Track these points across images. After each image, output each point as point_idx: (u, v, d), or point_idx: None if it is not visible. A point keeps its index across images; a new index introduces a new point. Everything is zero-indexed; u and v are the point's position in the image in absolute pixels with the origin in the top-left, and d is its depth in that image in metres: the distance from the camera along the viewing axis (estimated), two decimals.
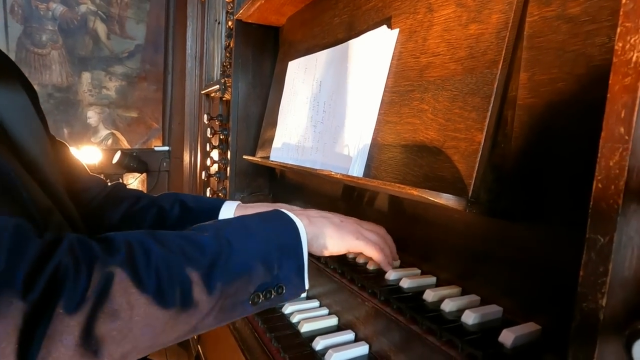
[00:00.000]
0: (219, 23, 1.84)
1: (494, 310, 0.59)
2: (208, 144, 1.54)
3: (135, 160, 3.48)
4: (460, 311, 0.59)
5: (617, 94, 0.33)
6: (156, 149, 3.72)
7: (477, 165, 0.54)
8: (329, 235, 0.60)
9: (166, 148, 3.73)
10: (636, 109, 0.32)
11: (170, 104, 3.93)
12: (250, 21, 1.40)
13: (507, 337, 0.52)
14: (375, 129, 0.76)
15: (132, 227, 0.81)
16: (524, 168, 0.57)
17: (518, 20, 0.54)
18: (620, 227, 0.33)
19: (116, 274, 0.40)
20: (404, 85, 0.71)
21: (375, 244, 0.64)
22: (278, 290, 0.52)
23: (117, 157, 3.38)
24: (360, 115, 0.79)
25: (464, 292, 0.67)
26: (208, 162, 1.52)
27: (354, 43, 0.85)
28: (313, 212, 0.63)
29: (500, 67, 0.54)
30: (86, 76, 4.22)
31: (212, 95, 1.84)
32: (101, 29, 4.32)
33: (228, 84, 1.47)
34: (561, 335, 0.53)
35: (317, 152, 0.91)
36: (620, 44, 0.33)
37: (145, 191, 3.96)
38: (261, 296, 0.51)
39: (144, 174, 3.70)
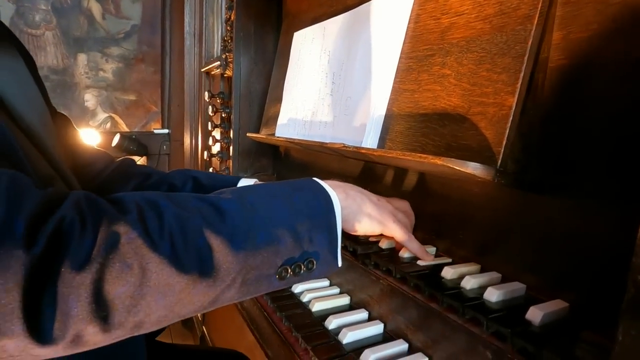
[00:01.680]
0: None
1: (517, 287, 0.56)
2: (210, 123, 1.49)
3: (135, 143, 3.43)
4: (482, 288, 0.56)
5: None
6: (155, 131, 3.66)
7: (507, 131, 0.50)
8: (367, 213, 0.56)
9: (166, 131, 3.67)
10: None
11: (169, 86, 3.85)
12: None
13: (535, 314, 0.49)
14: (390, 98, 0.71)
15: None
16: (554, 137, 0.53)
17: None
18: None
19: (126, 233, 0.37)
20: (422, 50, 0.66)
21: (408, 233, 0.61)
22: (308, 265, 0.48)
23: (116, 139, 3.33)
24: (374, 84, 0.74)
25: (482, 270, 0.64)
26: (210, 141, 1.48)
27: (365, 8, 0.79)
28: (350, 186, 0.58)
29: (535, 22, 0.49)
30: (82, 58, 4.13)
31: (213, 72, 1.78)
32: (96, 8, 4.19)
33: (229, 59, 1.41)
34: (592, 312, 0.50)
35: (326, 126, 0.87)
36: None
37: None
38: (290, 270, 0.46)
39: (144, 157, 3.65)
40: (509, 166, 0.54)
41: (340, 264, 0.52)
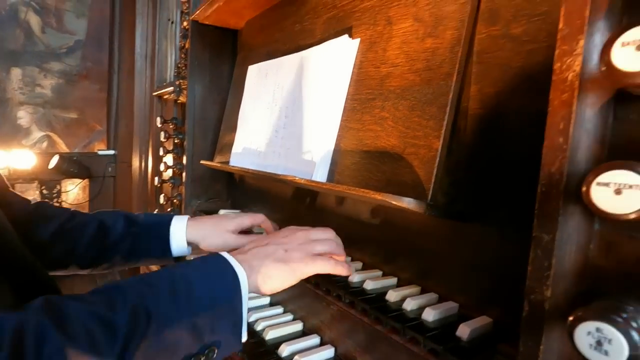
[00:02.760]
0: (172, 22, 1.77)
1: (450, 306, 0.63)
2: (161, 149, 1.46)
3: (76, 165, 3.20)
4: (420, 309, 0.62)
5: (556, 108, 0.37)
6: (100, 152, 3.45)
7: (435, 170, 0.57)
8: (275, 276, 0.55)
9: (111, 152, 3.48)
10: (572, 121, 0.36)
11: (116, 105, 3.68)
12: (207, 23, 1.37)
13: (464, 331, 0.55)
14: (338, 134, 0.78)
15: (68, 244, 0.75)
16: (476, 173, 0.62)
17: (469, 36, 0.59)
18: (561, 226, 0.37)
19: None
20: (365, 93, 0.74)
21: (326, 262, 0.59)
22: (209, 354, 0.48)
23: (54, 161, 3.08)
24: (323, 121, 0.80)
25: (423, 291, 0.70)
26: (162, 167, 1.45)
27: (316, 50, 0.87)
28: (254, 254, 0.57)
29: (454, 79, 0.58)
30: (16, 72, 3.83)
31: (166, 97, 1.76)
32: (35, 21, 3.95)
33: (183, 86, 1.42)
34: (511, 326, 0.58)
35: (279, 157, 0.91)
36: (558, 64, 0.37)
37: (87, 199, 3.65)
38: None
39: (86, 180, 3.41)
40: (439, 199, 0.62)
41: (245, 339, 0.52)
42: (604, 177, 0.31)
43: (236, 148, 1.13)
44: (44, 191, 3.14)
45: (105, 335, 0.41)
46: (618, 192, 0.30)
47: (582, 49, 0.35)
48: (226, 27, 1.41)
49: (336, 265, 0.60)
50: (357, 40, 0.78)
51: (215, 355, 0.49)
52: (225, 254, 0.54)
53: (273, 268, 0.55)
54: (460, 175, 0.63)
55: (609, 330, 0.30)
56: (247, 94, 1.14)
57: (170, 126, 1.47)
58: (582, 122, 0.36)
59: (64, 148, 4.07)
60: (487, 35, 0.61)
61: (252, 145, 1.04)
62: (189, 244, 0.78)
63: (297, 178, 0.75)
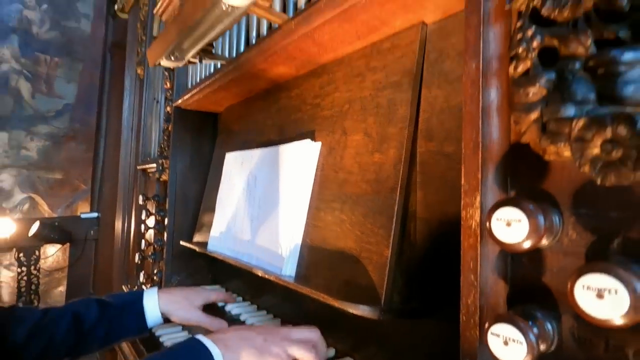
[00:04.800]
0: (157, 102, 1.89)
1: None
2: (142, 225, 1.50)
3: (57, 231, 3.15)
4: None
5: (466, 250, 0.45)
6: (83, 216, 3.43)
7: (386, 277, 0.63)
8: None
9: (94, 215, 3.46)
10: (479, 262, 0.43)
11: (102, 166, 3.73)
12: (189, 108, 1.48)
13: None
14: (305, 230, 0.84)
15: (43, 341, 0.77)
16: (428, 272, 0.68)
17: (409, 156, 0.68)
18: (479, 352, 0.43)
19: None
20: (327, 195, 0.82)
21: None
22: None
23: (34, 228, 3.04)
24: (292, 215, 0.87)
25: None
26: (142, 244, 1.48)
27: (284, 148, 0.96)
28: (232, 335, 0.60)
29: (398, 193, 0.66)
30: (2, 136, 3.90)
31: (149, 171, 1.83)
32: (25, 87, 4.09)
33: (165, 166, 1.49)
34: None
35: (253, 246, 0.97)
36: (464, 213, 0.45)
37: (66, 263, 3.54)
38: None
39: (67, 245, 3.35)
40: (394, 298, 0.67)
41: None
42: (496, 327, 0.37)
43: (214, 231, 1.18)
44: (22, 258, 3.06)
45: None
46: (506, 343, 0.36)
47: (480, 204, 0.43)
48: (207, 111, 1.52)
49: None
50: (318, 144, 0.88)
51: None
52: (200, 337, 0.59)
53: (246, 354, 0.58)
54: (413, 275, 0.69)
55: None
56: (224, 179, 1.21)
57: (153, 202, 1.52)
58: (487, 262, 0.44)
59: (46, 209, 4.03)
60: (426, 149, 0.70)
61: (228, 230, 1.10)
62: (162, 314, 0.86)
63: (267, 275, 0.80)
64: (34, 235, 3.02)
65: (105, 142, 3.66)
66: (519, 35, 0.40)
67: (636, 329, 0.31)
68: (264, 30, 1.00)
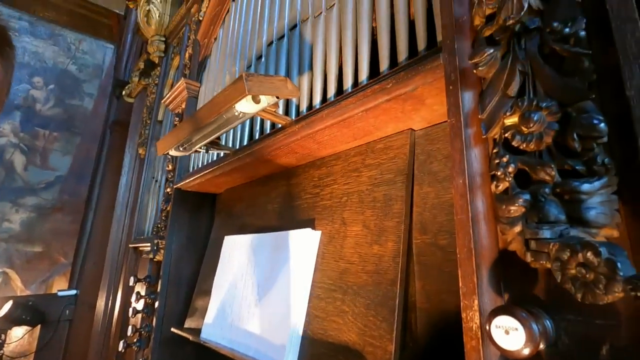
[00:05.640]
0: (156, 181, 1.95)
1: None
2: (131, 309, 1.45)
3: (30, 311, 2.94)
4: None
5: (469, 352, 0.47)
6: (60, 293, 3.23)
7: None
8: None
9: (73, 292, 3.27)
10: None
11: (87, 240, 3.64)
12: (189, 190, 1.53)
13: None
14: (305, 320, 0.84)
15: None
16: None
17: (406, 248, 0.73)
18: None
19: None
20: (328, 284, 0.84)
21: None
22: None
23: (6, 308, 2.83)
24: (293, 304, 0.87)
25: None
26: (129, 330, 1.40)
27: (284, 235, 1.00)
28: None
29: (398, 286, 0.69)
30: None
31: (141, 249, 1.81)
32: (19, 160, 4.15)
33: (161, 246, 1.50)
34: None
35: (251, 336, 0.94)
36: (464, 315, 0.49)
37: (34, 348, 3.24)
38: None
39: (38, 327, 3.09)
40: None
41: None
42: None
43: (209, 318, 1.15)
44: None
45: None
46: None
47: (478, 306, 0.47)
48: (206, 192, 1.58)
49: None
50: (318, 232, 0.92)
51: None
52: None
53: None
54: None
55: None
56: (222, 262, 1.22)
57: (144, 284, 1.49)
58: None
59: (18, 285, 3.80)
60: (421, 241, 0.75)
61: (224, 317, 1.08)
62: None
63: None
64: (4, 317, 2.80)
65: (94, 216, 3.62)
66: (497, 160, 0.48)
67: None
68: (267, 126, 1.11)
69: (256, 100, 0.83)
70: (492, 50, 0.52)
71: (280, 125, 0.98)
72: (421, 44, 0.73)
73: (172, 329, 1.27)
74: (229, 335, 1.03)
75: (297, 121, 0.90)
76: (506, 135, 0.49)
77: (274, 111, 0.92)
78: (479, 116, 0.52)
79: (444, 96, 0.58)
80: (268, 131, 1.08)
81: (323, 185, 0.98)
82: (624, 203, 0.39)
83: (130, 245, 1.89)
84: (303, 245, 0.92)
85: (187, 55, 1.74)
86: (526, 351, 0.39)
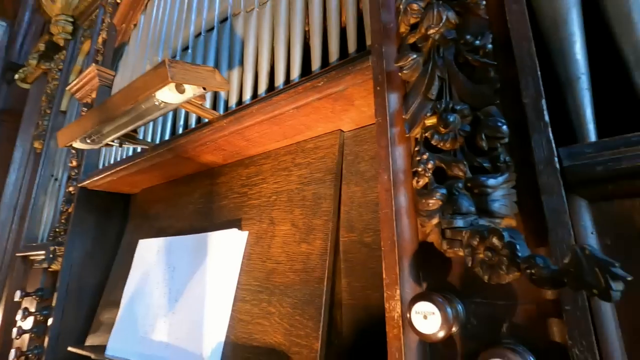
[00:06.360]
0: (56, 179, 1.70)
1: None
2: (15, 329, 1.22)
3: None
4: None
5: (391, 340, 0.49)
6: None
7: None
8: None
9: None
10: (403, 352, 0.47)
11: None
12: (97, 189, 1.36)
13: None
14: (229, 325, 0.80)
15: None
16: (356, 358, 0.69)
17: (334, 246, 0.74)
18: None
19: None
20: (254, 285, 0.81)
21: None
22: None
23: None
24: (215, 310, 0.82)
25: None
26: (12, 355, 1.18)
27: (208, 237, 0.94)
28: None
29: (325, 284, 0.69)
30: None
31: (32, 258, 1.55)
32: None
33: (58, 253, 1.29)
34: None
35: (167, 348, 0.86)
36: (387, 305, 0.50)
37: None
38: None
39: None
40: None
41: None
42: None
43: (116, 332, 1.02)
44: None
45: None
46: None
47: (400, 296, 0.49)
48: (118, 192, 1.42)
49: None
50: (245, 233, 0.89)
51: None
52: None
53: None
54: None
55: None
56: (135, 269, 1.10)
57: (35, 300, 1.27)
58: (410, 351, 0.48)
59: None
60: (348, 239, 0.77)
61: (136, 330, 0.96)
62: None
63: None
64: None
65: None
66: (418, 158, 0.51)
67: None
68: (193, 120, 1.04)
69: (180, 90, 0.77)
70: (415, 56, 0.56)
71: (207, 120, 0.92)
72: (351, 47, 0.76)
73: (69, 348, 1.10)
74: (140, 349, 0.92)
75: (225, 116, 0.86)
76: (426, 134, 0.52)
77: (200, 104, 0.87)
78: (403, 116, 0.55)
79: (372, 98, 0.61)
80: (193, 126, 1.01)
81: (252, 184, 0.95)
82: (520, 196, 0.45)
83: (18, 254, 1.60)
84: (228, 246, 0.87)
85: (100, 39, 1.56)
86: (441, 334, 0.42)
